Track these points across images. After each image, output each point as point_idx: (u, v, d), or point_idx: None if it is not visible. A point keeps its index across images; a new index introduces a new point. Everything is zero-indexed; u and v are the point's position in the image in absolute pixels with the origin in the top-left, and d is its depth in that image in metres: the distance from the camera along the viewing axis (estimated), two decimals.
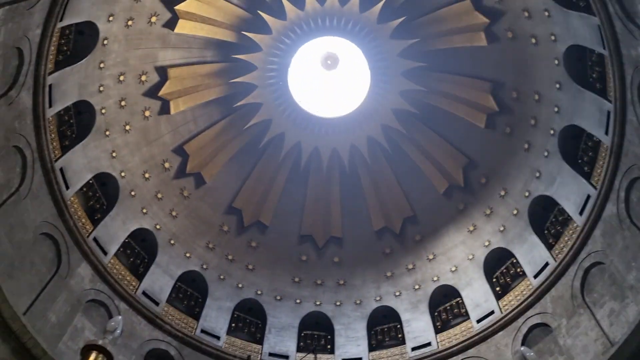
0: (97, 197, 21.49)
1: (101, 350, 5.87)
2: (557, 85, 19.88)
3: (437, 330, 23.13)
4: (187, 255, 24.52)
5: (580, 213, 18.95)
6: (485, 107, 24.07)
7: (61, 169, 18.73)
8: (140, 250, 23.01)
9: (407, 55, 25.10)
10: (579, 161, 19.99)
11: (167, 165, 24.54)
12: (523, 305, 20.23)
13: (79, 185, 20.07)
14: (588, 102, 18.53)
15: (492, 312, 21.53)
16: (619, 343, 15.42)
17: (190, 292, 24.10)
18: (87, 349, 5.94)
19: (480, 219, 24.22)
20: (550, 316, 19.07)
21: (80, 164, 20.14)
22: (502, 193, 23.52)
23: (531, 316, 19.81)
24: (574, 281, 18.48)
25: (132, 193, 22.82)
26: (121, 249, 21.87)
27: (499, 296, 22.04)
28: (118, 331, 6.12)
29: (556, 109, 20.37)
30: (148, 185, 23.65)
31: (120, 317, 6.39)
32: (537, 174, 21.73)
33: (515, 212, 22.66)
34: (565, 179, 20.20)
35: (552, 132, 20.80)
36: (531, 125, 22.08)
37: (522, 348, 7.81)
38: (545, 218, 21.66)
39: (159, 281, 22.73)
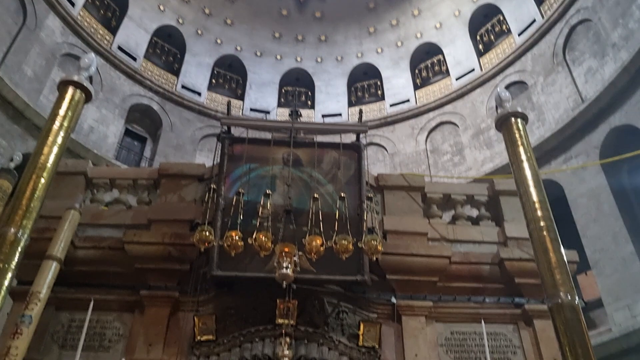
0: None
1: (78, 86, 5.57)
2: None
3: (416, 87, 23.58)
4: (161, 8, 23.24)
5: None
6: None
7: None
8: (110, 1, 21.69)
9: None
10: None
11: None
12: (504, 63, 20.34)
13: None
14: None
15: (472, 70, 21.72)
16: (589, 100, 15.83)
17: (168, 48, 23.59)
18: (64, 84, 5.61)
19: None
20: (528, 74, 19.30)
21: None
22: None
23: (510, 74, 20.05)
24: (557, 39, 18.28)
25: None
26: (89, 0, 20.58)
27: (480, 54, 22.01)
28: (93, 68, 5.72)
29: None
30: None
31: (93, 54, 5.89)
32: None
33: None
34: None
35: None
36: None
37: (499, 89, 7.77)
38: None
39: (134, 36, 21.99)
